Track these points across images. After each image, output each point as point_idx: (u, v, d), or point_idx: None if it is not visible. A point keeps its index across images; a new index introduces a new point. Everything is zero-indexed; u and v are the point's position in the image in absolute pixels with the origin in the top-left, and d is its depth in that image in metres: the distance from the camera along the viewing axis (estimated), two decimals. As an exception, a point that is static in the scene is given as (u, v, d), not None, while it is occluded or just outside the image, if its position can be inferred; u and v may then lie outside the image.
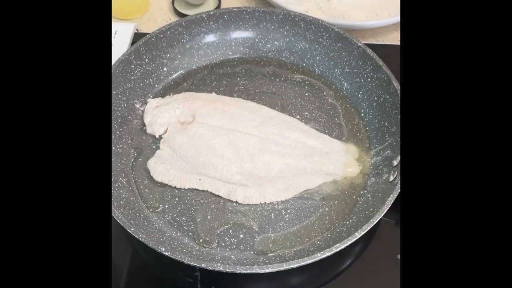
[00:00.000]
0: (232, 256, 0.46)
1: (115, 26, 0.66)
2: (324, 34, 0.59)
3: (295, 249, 0.47)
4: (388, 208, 0.44)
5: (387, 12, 0.67)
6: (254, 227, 0.48)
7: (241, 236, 0.48)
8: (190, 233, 0.48)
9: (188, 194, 0.51)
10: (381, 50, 0.58)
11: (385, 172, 0.50)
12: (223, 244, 0.47)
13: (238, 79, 0.60)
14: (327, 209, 0.50)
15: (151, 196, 0.50)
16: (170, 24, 0.58)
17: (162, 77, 0.60)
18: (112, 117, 0.53)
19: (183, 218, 0.49)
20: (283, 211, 0.50)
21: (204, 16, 0.59)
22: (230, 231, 0.48)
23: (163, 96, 0.58)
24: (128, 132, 0.55)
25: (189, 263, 0.40)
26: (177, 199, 0.50)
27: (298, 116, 0.57)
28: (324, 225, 0.49)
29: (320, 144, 0.53)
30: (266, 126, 0.53)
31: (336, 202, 0.50)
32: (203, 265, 0.40)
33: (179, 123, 0.54)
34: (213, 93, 0.58)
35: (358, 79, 0.58)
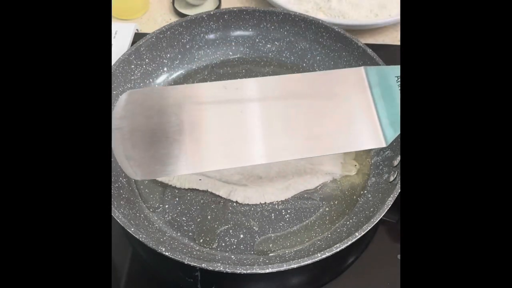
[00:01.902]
0: (232, 256, 0.46)
1: (115, 26, 0.66)
2: (324, 34, 0.59)
3: (295, 249, 0.47)
4: (388, 208, 0.44)
5: (387, 12, 0.67)
6: (254, 227, 0.48)
7: (241, 236, 0.48)
8: (190, 233, 0.48)
9: (188, 194, 0.51)
10: (381, 50, 0.58)
11: (385, 172, 0.50)
12: (223, 244, 0.47)
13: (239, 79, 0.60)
14: (327, 209, 0.50)
15: (151, 196, 0.50)
16: (170, 24, 0.58)
17: (162, 77, 0.60)
18: (112, 117, 0.53)
19: (183, 218, 0.49)
20: (283, 211, 0.50)
21: (204, 16, 0.59)
22: (230, 231, 0.48)
23: (163, 96, 0.58)
24: (128, 132, 0.55)
25: (189, 263, 0.40)
26: (177, 199, 0.50)
27: (298, 116, 0.57)
28: (324, 225, 0.49)
29: (320, 144, 0.53)
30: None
31: (336, 202, 0.50)
32: (203, 265, 0.40)
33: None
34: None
35: (358, 79, 0.58)
